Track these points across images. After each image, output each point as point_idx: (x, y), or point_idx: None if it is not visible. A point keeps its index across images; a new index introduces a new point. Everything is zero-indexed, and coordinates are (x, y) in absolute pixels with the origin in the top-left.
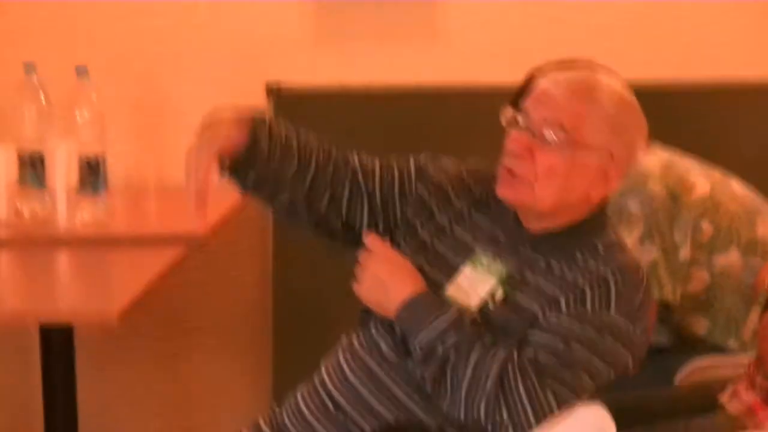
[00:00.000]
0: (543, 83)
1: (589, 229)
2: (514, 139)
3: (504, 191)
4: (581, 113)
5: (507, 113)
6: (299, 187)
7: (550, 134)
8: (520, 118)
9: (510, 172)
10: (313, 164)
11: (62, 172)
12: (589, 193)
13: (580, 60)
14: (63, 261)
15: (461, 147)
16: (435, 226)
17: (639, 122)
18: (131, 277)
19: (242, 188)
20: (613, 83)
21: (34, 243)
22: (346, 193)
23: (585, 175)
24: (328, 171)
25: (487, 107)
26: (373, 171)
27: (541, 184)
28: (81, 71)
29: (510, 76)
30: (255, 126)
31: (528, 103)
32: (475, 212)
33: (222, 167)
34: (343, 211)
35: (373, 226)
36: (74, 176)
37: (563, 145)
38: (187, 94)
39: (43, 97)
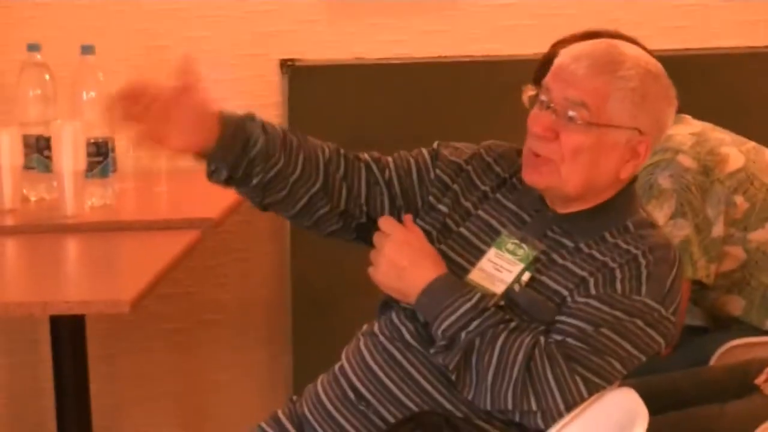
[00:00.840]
0: (563, 58)
1: (618, 208)
2: (537, 120)
3: (530, 176)
4: (604, 90)
5: (528, 91)
6: (313, 184)
7: (573, 114)
8: (542, 96)
9: (535, 154)
10: (322, 159)
11: (69, 156)
12: (618, 172)
13: (604, 31)
14: (72, 248)
15: (478, 120)
16: (460, 208)
17: (666, 92)
18: (143, 263)
19: (256, 197)
20: (637, 54)
21: (42, 230)
22: (363, 185)
23: (613, 154)
24: (340, 165)
25: (505, 80)
26: (387, 162)
27: (567, 166)
28: (87, 50)
29: (526, 48)
30: (245, 120)
31: (549, 80)
32: (499, 193)
33: (219, 173)
34: (363, 203)
35: (396, 214)
36: (82, 159)
37: (588, 125)
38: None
39: (48, 78)
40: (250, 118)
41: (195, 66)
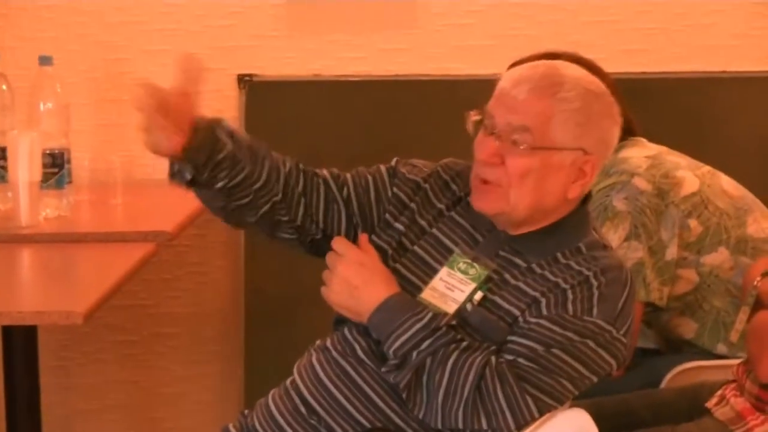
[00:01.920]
0: (504, 83)
1: (569, 229)
2: (482, 146)
3: (479, 203)
4: (546, 113)
5: (472, 117)
6: (275, 194)
7: (517, 138)
8: (486, 122)
9: (482, 181)
10: (282, 171)
11: (25, 166)
12: (565, 192)
13: (563, 53)
14: (26, 259)
15: (436, 138)
16: (416, 226)
17: (610, 110)
18: (97, 275)
19: (217, 202)
20: (577, 74)
21: (7, 240)
22: (321, 202)
23: (559, 175)
24: (299, 180)
25: (463, 99)
26: (345, 179)
27: (515, 190)
28: (45, 61)
29: (485, 68)
30: (214, 125)
31: (491, 106)
32: (454, 211)
33: (182, 174)
34: (320, 221)
35: (351, 232)
36: (37, 170)
37: (533, 149)
38: None
39: (5, 88)
40: (219, 122)
41: (196, 66)
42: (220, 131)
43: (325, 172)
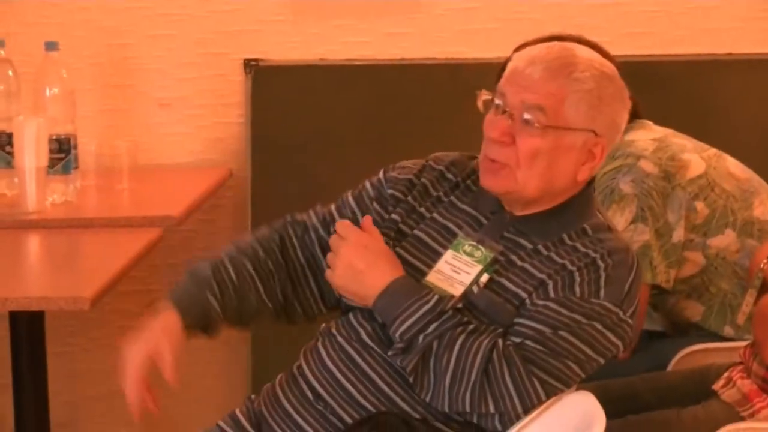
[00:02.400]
0: (517, 62)
1: (574, 210)
2: (493, 125)
3: (487, 181)
4: (559, 93)
5: (483, 96)
6: (280, 289)
7: (529, 117)
8: (497, 101)
9: (492, 160)
10: (272, 273)
11: (31, 151)
12: (575, 174)
13: (567, 36)
14: (32, 244)
15: (441, 122)
16: (414, 213)
17: (621, 94)
18: (103, 261)
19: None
20: (590, 56)
21: (3, 226)
22: (321, 256)
23: (569, 157)
24: (289, 262)
25: (468, 82)
26: (333, 218)
27: (524, 170)
28: (51, 46)
29: (490, 51)
30: (201, 301)
31: (504, 85)
32: (453, 196)
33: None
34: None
35: None
36: (44, 156)
37: (545, 128)
38: (162, 72)
39: (11, 74)
40: (204, 287)
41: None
42: (207, 304)
43: (314, 219)
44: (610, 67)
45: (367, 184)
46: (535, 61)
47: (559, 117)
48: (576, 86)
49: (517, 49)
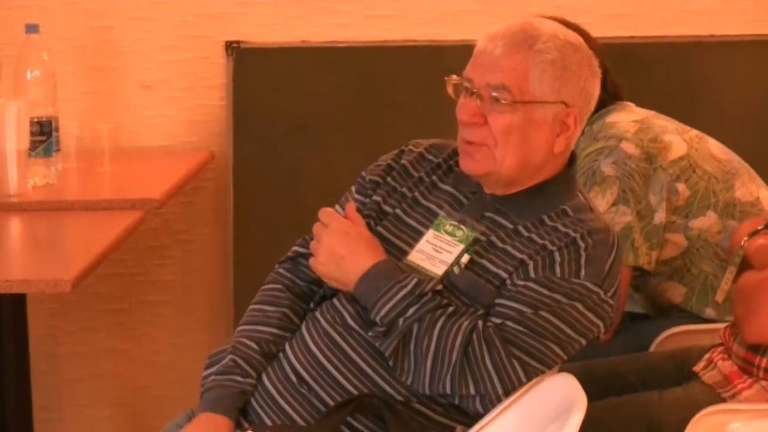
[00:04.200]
0: (480, 43)
1: (555, 190)
2: (463, 108)
3: (467, 164)
4: (522, 68)
5: (452, 81)
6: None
7: (497, 95)
8: (465, 84)
9: (468, 142)
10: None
11: (12, 134)
12: (551, 147)
13: (549, 17)
14: (14, 227)
15: (422, 105)
16: (395, 193)
17: (589, 62)
18: (85, 243)
19: None
20: (554, 28)
21: None
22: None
23: (542, 130)
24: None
25: (449, 65)
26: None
27: (500, 148)
28: (31, 29)
29: (471, 33)
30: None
31: (470, 67)
32: (435, 176)
33: None
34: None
35: None
36: (25, 138)
37: (513, 104)
38: (144, 55)
39: None
40: (241, 385)
41: None
42: (239, 384)
43: (299, 249)
44: (575, 37)
45: (352, 188)
46: (495, 38)
47: (525, 92)
48: (538, 57)
49: None
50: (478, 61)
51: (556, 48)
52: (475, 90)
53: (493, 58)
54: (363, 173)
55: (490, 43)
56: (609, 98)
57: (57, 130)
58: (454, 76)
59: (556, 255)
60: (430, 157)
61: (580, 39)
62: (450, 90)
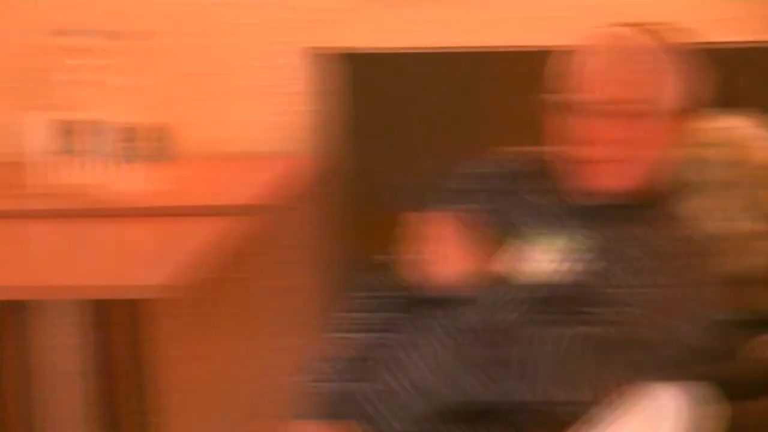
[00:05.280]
0: (594, 59)
1: (663, 194)
2: (596, 127)
3: (609, 181)
4: (645, 78)
5: (570, 95)
6: None
7: (629, 108)
8: (588, 102)
9: (610, 161)
10: None
11: (109, 140)
12: (670, 156)
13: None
14: (120, 233)
15: (504, 110)
16: (501, 198)
17: (701, 72)
18: (192, 248)
19: None
20: (670, 38)
21: (89, 214)
22: None
23: (663, 138)
24: None
25: (527, 71)
26: None
27: (641, 163)
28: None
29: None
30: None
31: (590, 85)
32: (527, 187)
33: None
34: None
35: None
36: (125, 144)
37: (648, 117)
38: (245, 61)
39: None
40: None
41: None
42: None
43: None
44: (687, 48)
45: (449, 195)
46: (611, 52)
47: (653, 102)
48: (660, 67)
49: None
50: (599, 77)
51: (677, 59)
52: (603, 106)
53: (613, 71)
54: (457, 181)
55: (608, 59)
56: (719, 104)
57: (161, 136)
58: (566, 92)
59: (656, 262)
60: (526, 167)
61: (695, 49)
62: (562, 107)
